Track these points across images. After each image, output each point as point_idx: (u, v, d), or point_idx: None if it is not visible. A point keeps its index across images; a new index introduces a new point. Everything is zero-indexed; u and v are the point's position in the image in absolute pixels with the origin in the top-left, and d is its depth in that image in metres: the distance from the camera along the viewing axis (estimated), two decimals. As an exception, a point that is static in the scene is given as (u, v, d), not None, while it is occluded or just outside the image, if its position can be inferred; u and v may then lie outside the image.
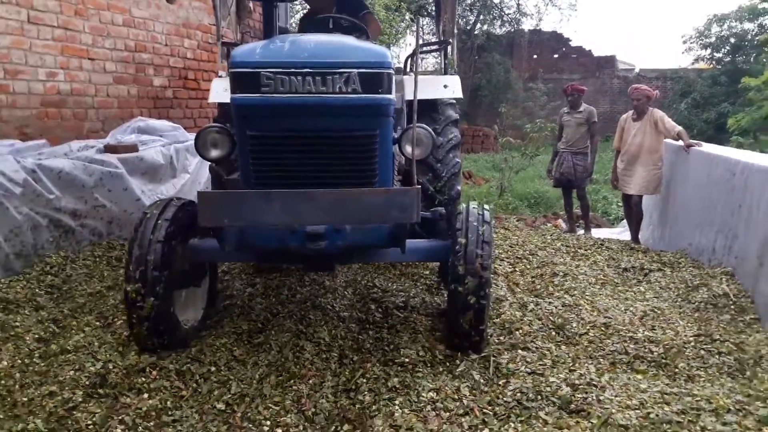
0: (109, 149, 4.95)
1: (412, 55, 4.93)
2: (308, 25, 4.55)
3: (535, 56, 23.96)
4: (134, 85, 5.84)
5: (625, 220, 7.43)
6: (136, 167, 5.04)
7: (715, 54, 20.72)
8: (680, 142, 6.01)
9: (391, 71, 2.79)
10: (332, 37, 3.07)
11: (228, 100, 2.82)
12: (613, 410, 2.50)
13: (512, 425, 2.44)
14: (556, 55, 24.09)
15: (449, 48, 4.65)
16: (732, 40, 20.09)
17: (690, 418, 2.48)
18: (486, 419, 2.50)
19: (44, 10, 4.71)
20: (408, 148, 2.95)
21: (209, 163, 3.62)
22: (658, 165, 6.34)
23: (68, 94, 5.03)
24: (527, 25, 24.38)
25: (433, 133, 3.06)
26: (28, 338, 3.27)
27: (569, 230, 7.46)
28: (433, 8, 23.63)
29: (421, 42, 5.26)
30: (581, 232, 7.34)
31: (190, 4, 6.66)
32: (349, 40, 3.01)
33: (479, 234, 2.98)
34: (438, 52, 4.99)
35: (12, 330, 3.35)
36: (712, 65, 20.78)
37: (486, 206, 3.24)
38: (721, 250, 4.75)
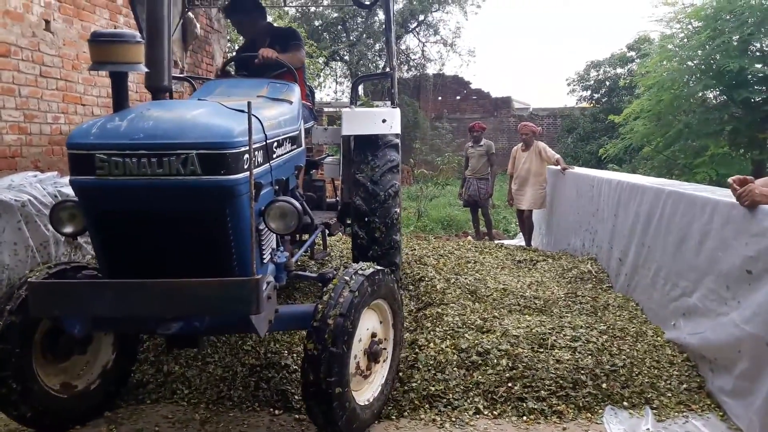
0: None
1: (353, 86, 5.52)
2: (238, 62, 4.80)
3: (439, 98, 26.20)
4: (113, 126, 6.85)
5: (520, 233, 9.09)
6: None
7: (594, 95, 23.62)
8: (558, 167, 7.70)
9: (240, 150, 2.55)
10: (177, 110, 2.74)
11: None
12: (509, 328, 3.91)
13: (448, 341, 3.79)
14: (458, 97, 26.41)
15: (393, 78, 4.77)
16: (607, 83, 23.04)
17: (557, 330, 3.93)
18: (429, 339, 3.84)
19: (51, 66, 5.74)
20: (272, 224, 2.85)
21: None
22: (543, 185, 8.03)
23: (68, 134, 6.03)
24: (431, 69, 26.65)
25: (299, 206, 2.85)
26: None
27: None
28: (346, 54, 25.53)
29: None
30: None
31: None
32: (195, 115, 2.65)
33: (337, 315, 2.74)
34: (383, 83, 5.40)
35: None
36: (592, 104, 23.64)
37: (365, 270, 3.04)
38: (588, 245, 6.36)
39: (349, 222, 4.67)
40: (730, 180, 3.27)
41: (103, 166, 2.44)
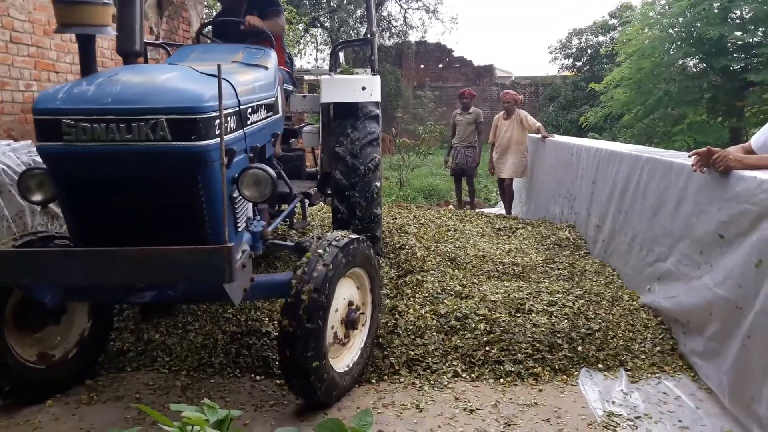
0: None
1: (333, 53, 5.50)
2: (215, 28, 4.73)
3: (422, 66, 25.98)
4: (88, 94, 6.72)
5: (501, 201, 9.14)
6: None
7: (576, 63, 23.58)
8: (539, 135, 7.71)
9: (211, 114, 2.50)
10: (147, 74, 2.72)
11: None
12: (487, 293, 3.96)
13: (428, 307, 3.83)
14: (441, 65, 26.20)
15: (373, 45, 4.72)
16: (589, 51, 22.99)
17: (534, 295, 3.98)
18: (409, 305, 3.88)
19: (21, 31, 5.59)
20: (246, 192, 2.81)
21: None
22: (524, 154, 8.05)
23: (40, 102, 5.91)
24: (413, 37, 26.36)
25: (273, 173, 2.81)
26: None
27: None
28: (326, 21, 25.16)
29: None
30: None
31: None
32: (165, 80, 2.62)
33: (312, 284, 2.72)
34: (362, 49, 5.22)
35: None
36: (574, 72, 23.62)
37: (339, 241, 2.97)
38: (567, 212, 6.41)
39: (329, 192, 4.64)
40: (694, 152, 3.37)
41: (70, 132, 2.38)
